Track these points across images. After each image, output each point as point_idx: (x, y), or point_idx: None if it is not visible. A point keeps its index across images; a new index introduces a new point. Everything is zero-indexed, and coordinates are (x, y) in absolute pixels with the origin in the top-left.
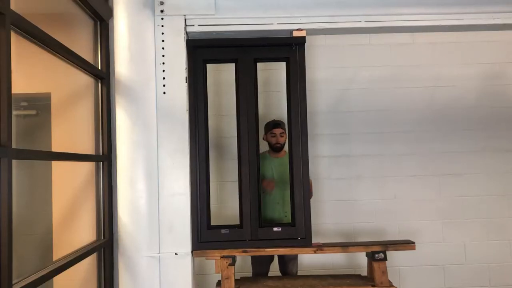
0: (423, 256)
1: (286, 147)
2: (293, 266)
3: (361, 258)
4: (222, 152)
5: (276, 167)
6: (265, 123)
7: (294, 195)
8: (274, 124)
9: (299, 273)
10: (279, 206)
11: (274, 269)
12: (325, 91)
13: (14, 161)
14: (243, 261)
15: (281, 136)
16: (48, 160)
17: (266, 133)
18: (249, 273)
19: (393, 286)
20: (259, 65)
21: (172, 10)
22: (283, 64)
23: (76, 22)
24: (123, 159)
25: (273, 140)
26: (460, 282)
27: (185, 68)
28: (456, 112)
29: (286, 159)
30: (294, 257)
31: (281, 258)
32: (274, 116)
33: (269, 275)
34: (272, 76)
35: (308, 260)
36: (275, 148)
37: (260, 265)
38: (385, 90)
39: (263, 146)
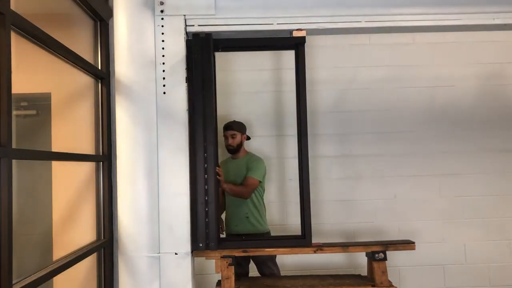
0: (423, 256)
1: (253, 147)
2: (270, 268)
3: (361, 258)
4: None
5: (232, 169)
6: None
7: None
8: (225, 126)
9: (298, 273)
10: (239, 209)
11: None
12: (325, 91)
13: (14, 161)
14: None
15: (233, 138)
16: (48, 160)
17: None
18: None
19: (393, 286)
20: (260, 65)
21: (172, 10)
22: (283, 64)
23: (76, 22)
24: (123, 159)
25: (225, 143)
26: (460, 282)
27: (185, 68)
28: (456, 112)
29: (243, 160)
30: (269, 259)
31: (255, 260)
32: (274, 115)
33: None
34: (272, 76)
35: (308, 260)
36: (228, 150)
37: (239, 266)
38: (385, 90)
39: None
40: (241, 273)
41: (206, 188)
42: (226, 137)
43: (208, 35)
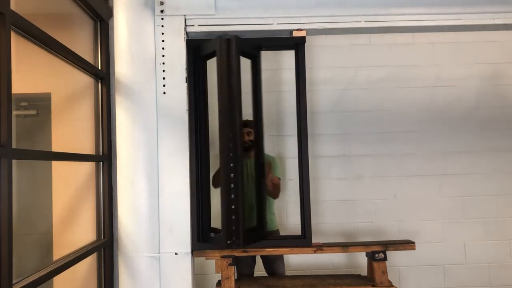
0: (423, 256)
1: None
2: (279, 267)
3: (361, 258)
4: None
5: (249, 167)
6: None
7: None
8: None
9: (298, 273)
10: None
11: (261, 270)
12: (325, 91)
13: (14, 161)
14: None
15: (248, 135)
16: (48, 160)
17: None
18: None
19: (393, 286)
20: (261, 65)
21: (172, 10)
22: (283, 64)
23: (76, 22)
24: (123, 159)
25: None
26: (460, 282)
27: (185, 68)
28: (456, 112)
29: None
30: (279, 258)
31: (265, 259)
32: (273, 116)
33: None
34: (272, 76)
35: (308, 260)
36: (244, 148)
37: (244, 267)
38: (385, 90)
39: None
40: (247, 274)
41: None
42: (242, 134)
43: (236, 37)
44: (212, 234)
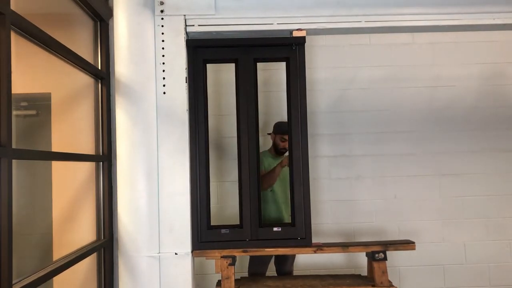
0: (423, 256)
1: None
2: (291, 265)
3: (361, 258)
4: (222, 152)
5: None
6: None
7: (294, 195)
8: (285, 130)
9: (298, 273)
10: (285, 206)
11: (269, 269)
12: (325, 91)
13: (14, 161)
14: (244, 261)
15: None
16: (48, 160)
17: (276, 133)
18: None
19: (393, 286)
20: (259, 65)
21: (172, 10)
22: (283, 64)
23: (76, 22)
24: (123, 159)
25: (281, 145)
26: (460, 282)
27: (185, 68)
28: (456, 112)
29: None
30: (291, 256)
31: (279, 257)
32: (273, 116)
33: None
34: (272, 76)
35: (308, 260)
36: (280, 152)
37: (259, 265)
38: (385, 90)
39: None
40: (259, 273)
41: None
42: (284, 140)
43: None
44: (225, 230)
